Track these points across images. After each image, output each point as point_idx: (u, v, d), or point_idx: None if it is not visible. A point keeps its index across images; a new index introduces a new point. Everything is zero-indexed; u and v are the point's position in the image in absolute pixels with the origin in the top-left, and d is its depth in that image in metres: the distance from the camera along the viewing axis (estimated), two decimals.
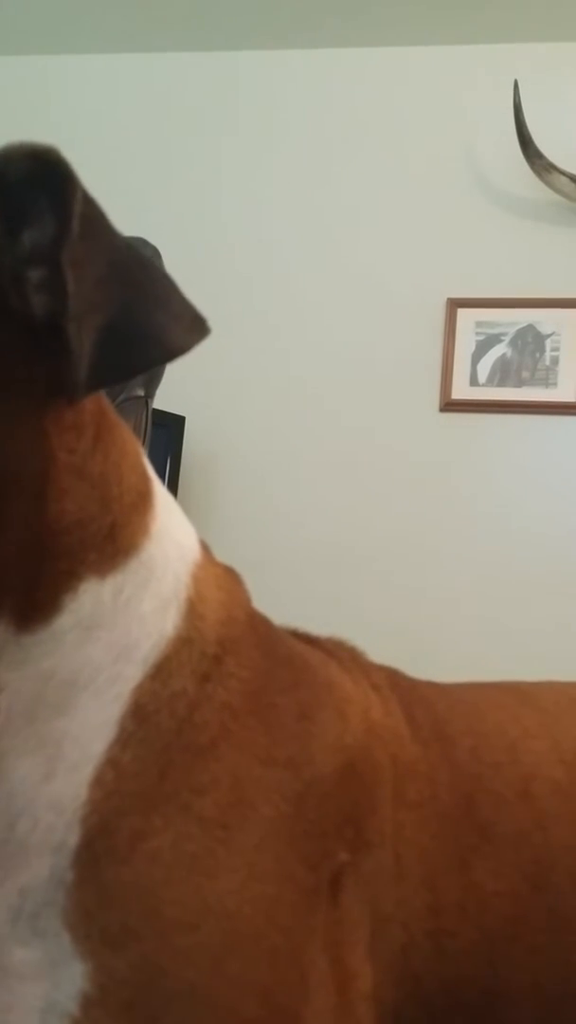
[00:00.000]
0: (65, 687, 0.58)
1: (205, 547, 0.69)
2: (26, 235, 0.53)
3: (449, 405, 2.44)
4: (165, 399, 1.75)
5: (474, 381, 2.44)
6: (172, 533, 0.64)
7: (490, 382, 2.43)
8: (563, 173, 2.38)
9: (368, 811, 0.64)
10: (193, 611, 0.63)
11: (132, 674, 0.59)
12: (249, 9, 2.51)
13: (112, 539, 0.59)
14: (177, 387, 1.77)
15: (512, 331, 2.43)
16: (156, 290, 0.54)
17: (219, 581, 0.67)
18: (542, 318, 2.42)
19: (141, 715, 0.59)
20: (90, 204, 0.53)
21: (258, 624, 0.68)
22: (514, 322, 2.43)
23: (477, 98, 2.52)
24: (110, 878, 0.56)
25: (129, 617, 0.60)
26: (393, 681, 0.74)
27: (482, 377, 2.43)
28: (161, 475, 2.50)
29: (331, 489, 2.45)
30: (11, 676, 0.57)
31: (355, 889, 0.62)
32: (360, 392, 2.49)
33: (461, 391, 2.43)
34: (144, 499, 0.62)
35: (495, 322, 2.44)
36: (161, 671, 0.60)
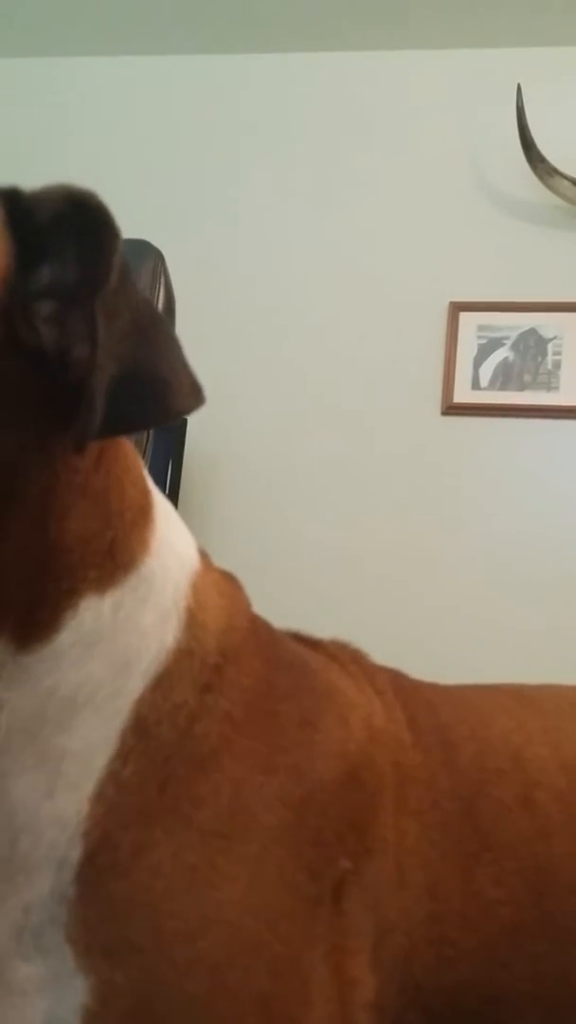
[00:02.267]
0: (66, 704, 0.58)
1: (203, 554, 0.68)
2: (45, 270, 0.53)
3: (451, 409, 2.43)
4: None
5: (476, 385, 2.43)
6: (172, 544, 0.64)
7: (492, 386, 2.42)
8: (565, 177, 2.38)
9: (370, 818, 0.64)
10: (193, 621, 0.63)
11: (133, 688, 0.59)
12: (252, 13, 2.51)
13: (112, 555, 0.59)
14: None
15: (514, 335, 2.43)
16: (167, 352, 0.55)
17: (219, 587, 0.67)
18: (544, 322, 2.41)
19: (142, 728, 0.59)
20: (123, 257, 0.53)
21: (259, 630, 0.68)
22: (516, 326, 2.43)
23: (480, 102, 2.52)
24: (111, 892, 0.56)
25: (129, 632, 0.60)
26: (397, 684, 0.74)
27: (484, 381, 2.43)
28: (162, 479, 2.48)
29: (333, 492, 2.45)
30: (10, 695, 0.57)
31: (358, 897, 0.61)
32: (362, 395, 2.48)
33: (463, 395, 2.43)
34: (144, 513, 0.62)
35: (497, 326, 2.43)
36: (162, 683, 0.60)
